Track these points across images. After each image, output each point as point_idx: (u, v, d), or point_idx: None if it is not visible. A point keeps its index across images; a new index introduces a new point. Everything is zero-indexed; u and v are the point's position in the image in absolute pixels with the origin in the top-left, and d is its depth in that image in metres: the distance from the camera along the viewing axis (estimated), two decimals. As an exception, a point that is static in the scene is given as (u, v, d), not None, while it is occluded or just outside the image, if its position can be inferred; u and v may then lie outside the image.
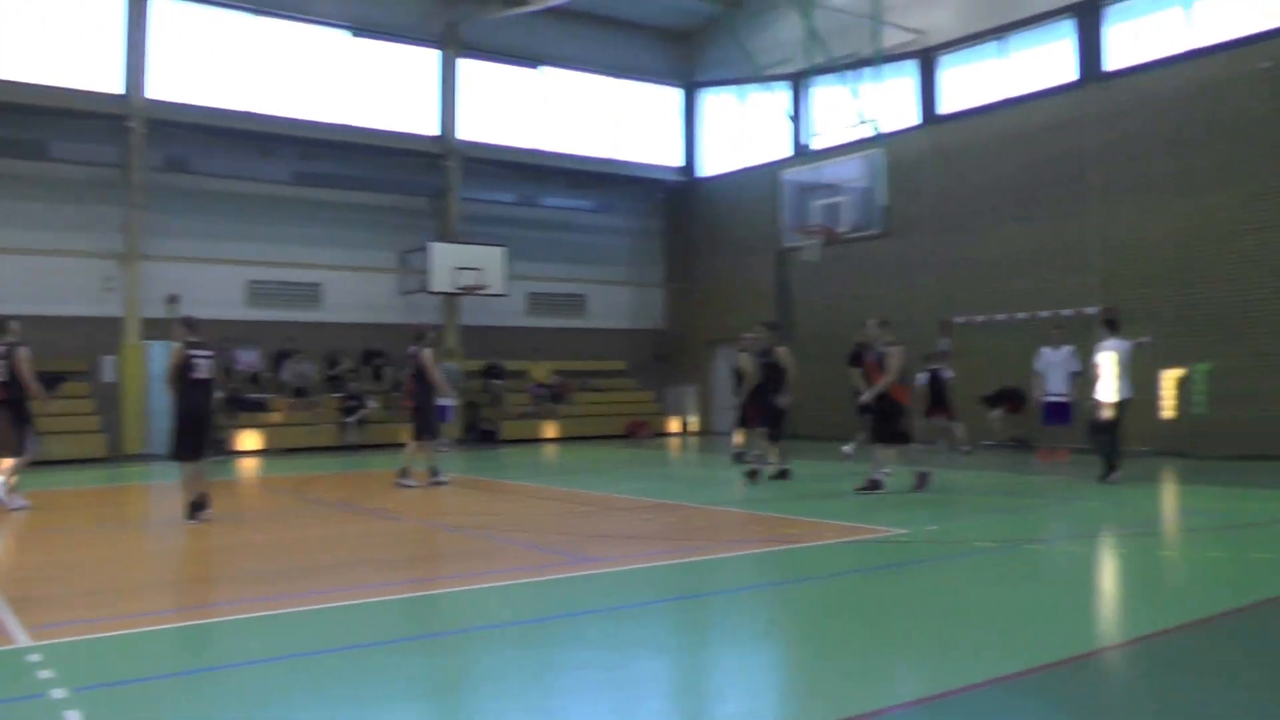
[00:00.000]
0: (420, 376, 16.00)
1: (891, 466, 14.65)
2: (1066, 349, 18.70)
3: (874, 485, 14.06)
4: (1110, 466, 15.18)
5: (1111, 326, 15.45)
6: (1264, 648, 6.38)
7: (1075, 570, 9.04)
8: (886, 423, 14.22)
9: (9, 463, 13.37)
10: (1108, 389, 15.08)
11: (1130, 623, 6.93)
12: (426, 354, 16.07)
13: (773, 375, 16.22)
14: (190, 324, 12.64)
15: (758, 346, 16.78)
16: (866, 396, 14.39)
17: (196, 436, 12.40)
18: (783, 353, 16.19)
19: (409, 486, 15.64)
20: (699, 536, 11.10)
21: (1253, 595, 7.64)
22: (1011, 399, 22.23)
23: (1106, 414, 15.16)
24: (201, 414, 12.45)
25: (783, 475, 15.97)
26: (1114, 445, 15.28)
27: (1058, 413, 18.64)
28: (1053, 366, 18.61)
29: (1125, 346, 15.24)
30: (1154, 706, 5.18)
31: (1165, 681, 5.51)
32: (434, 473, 16.08)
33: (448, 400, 21.51)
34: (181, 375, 12.26)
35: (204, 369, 12.33)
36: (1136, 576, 8.84)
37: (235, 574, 9.21)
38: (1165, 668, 5.77)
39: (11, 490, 13.41)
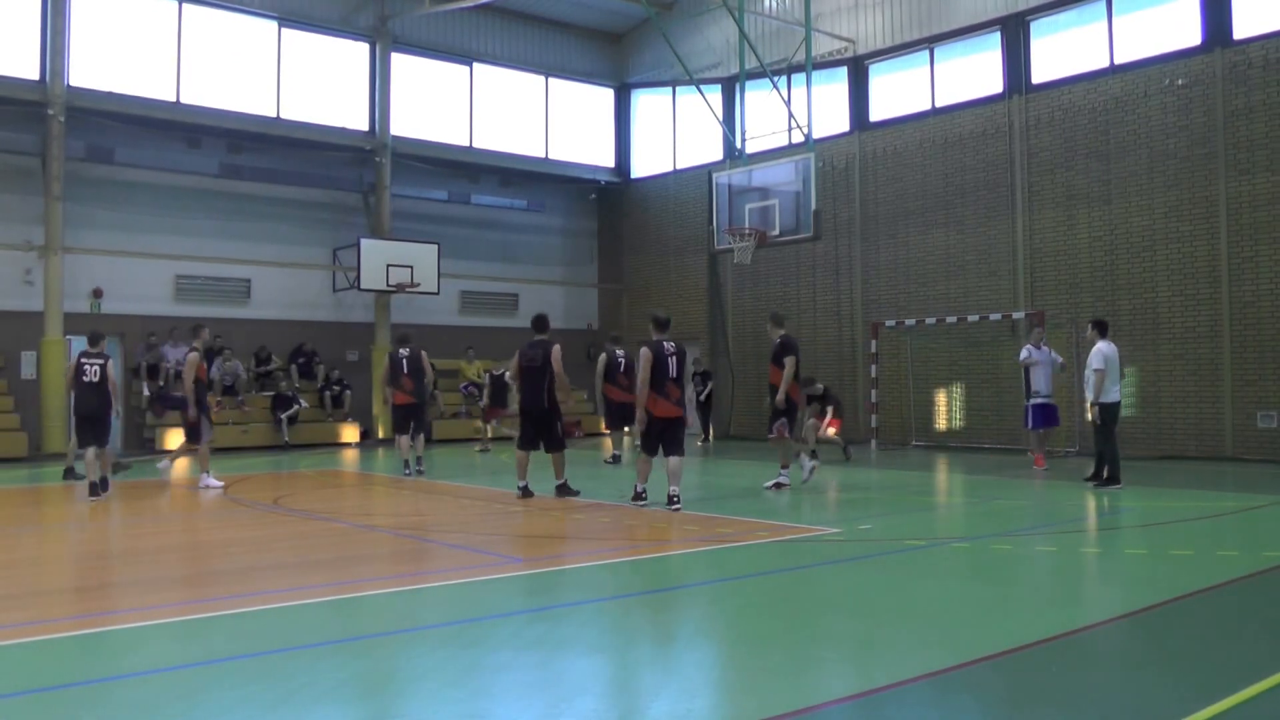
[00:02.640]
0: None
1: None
2: (1048, 349, 18.04)
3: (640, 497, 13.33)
4: (1110, 472, 14.94)
5: (1102, 329, 15.17)
6: (1184, 641, 6.46)
7: (1004, 567, 9.11)
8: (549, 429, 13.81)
9: (203, 450, 16.14)
10: (1111, 391, 14.90)
11: (1057, 618, 6.99)
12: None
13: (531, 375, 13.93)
14: (93, 337, 15.32)
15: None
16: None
17: (89, 428, 14.74)
18: (555, 353, 13.81)
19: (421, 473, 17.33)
20: (631, 536, 11.06)
21: (1173, 591, 7.75)
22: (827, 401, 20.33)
23: (1105, 417, 14.96)
24: (88, 410, 14.75)
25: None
26: (1114, 449, 15.06)
27: (1048, 415, 17.84)
28: (1040, 366, 17.74)
29: (1115, 350, 15.07)
30: (1079, 699, 5.21)
31: (1090, 675, 5.54)
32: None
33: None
34: (75, 378, 14.80)
35: (90, 373, 14.69)
36: (1062, 573, 8.93)
37: (156, 577, 8.98)
38: (1090, 661, 5.82)
39: (205, 472, 15.97)
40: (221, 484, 15.85)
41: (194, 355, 15.69)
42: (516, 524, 12.05)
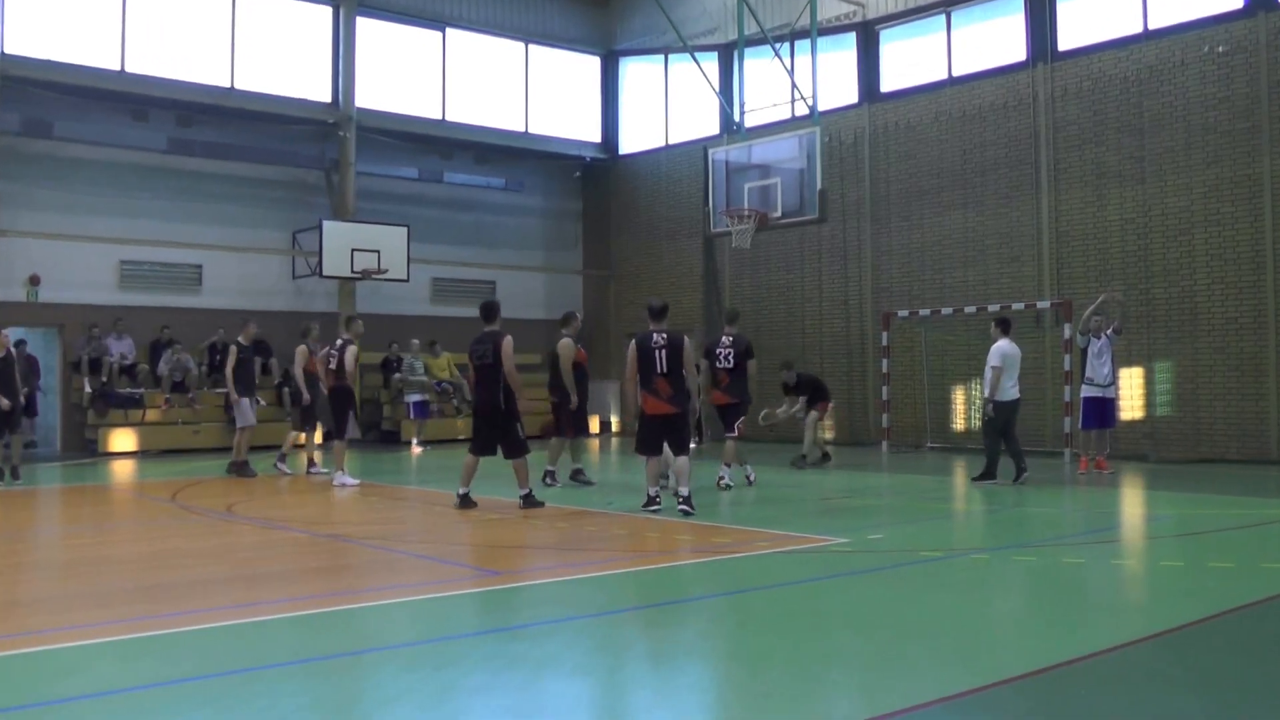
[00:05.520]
0: (557, 368, 16.77)
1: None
2: (1106, 334, 17.80)
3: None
4: (996, 469, 16.25)
5: (1005, 328, 16.45)
6: (1224, 661, 6.48)
7: (1027, 581, 9.12)
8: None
9: (338, 445, 17.07)
10: (1009, 389, 16.05)
11: (1084, 636, 7.00)
12: (564, 343, 16.58)
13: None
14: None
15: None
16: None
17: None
18: (505, 346, 13.51)
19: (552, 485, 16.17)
20: (618, 547, 11.05)
21: (1212, 607, 7.76)
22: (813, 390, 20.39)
23: (1000, 414, 16.16)
24: None
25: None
26: (1013, 445, 16.24)
27: (1102, 413, 17.79)
28: (1097, 356, 17.63)
29: (1016, 349, 16.31)
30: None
31: (1123, 698, 5.56)
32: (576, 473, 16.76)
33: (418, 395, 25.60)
34: None
35: None
36: (1090, 587, 8.94)
37: (100, 591, 8.95)
38: (1124, 683, 5.83)
39: (340, 470, 16.87)
40: (357, 482, 16.93)
41: (353, 348, 17.07)
42: (493, 533, 12.04)
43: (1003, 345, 16.10)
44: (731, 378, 15.79)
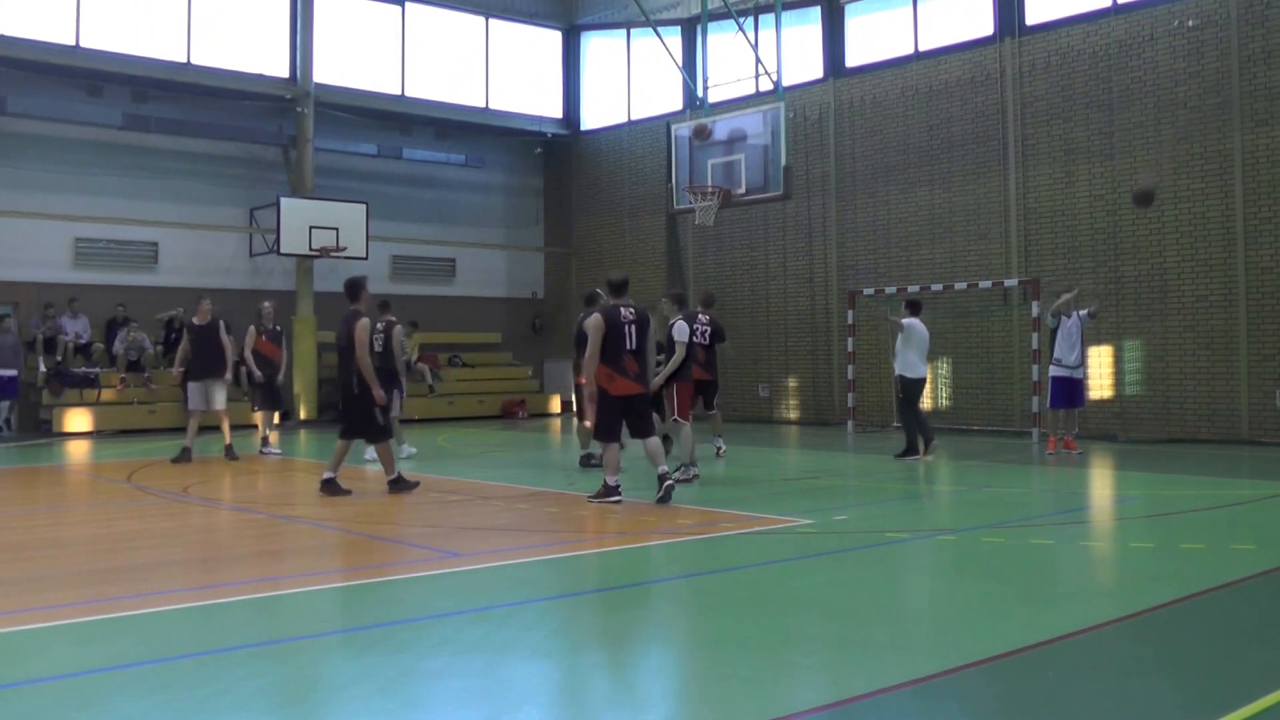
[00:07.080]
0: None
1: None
2: (1078, 314, 17.66)
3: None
4: (919, 443, 16.90)
5: (914, 309, 17.30)
6: (1194, 644, 6.49)
7: (995, 562, 9.12)
8: None
9: (393, 419, 16.37)
10: (917, 366, 17.04)
11: (1053, 619, 7.00)
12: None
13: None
14: None
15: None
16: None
17: None
18: (356, 329, 13.20)
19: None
20: (580, 529, 11.02)
21: (1182, 589, 7.77)
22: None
23: (908, 390, 17.14)
24: None
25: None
26: (921, 421, 17.26)
27: (1070, 393, 17.69)
28: (1067, 337, 17.48)
29: (924, 329, 17.24)
30: (1078, 708, 5.21)
31: (1093, 682, 5.55)
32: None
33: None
34: None
35: None
36: (1059, 569, 8.94)
37: (51, 574, 8.83)
38: (1093, 667, 5.83)
39: (400, 443, 17.13)
40: (415, 450, 18.04)
41: (399, 328, 17.12)
42: (454, 515, 11.99)
43: (914, 322, 17.07)
44: (708, 355, 16.26)
